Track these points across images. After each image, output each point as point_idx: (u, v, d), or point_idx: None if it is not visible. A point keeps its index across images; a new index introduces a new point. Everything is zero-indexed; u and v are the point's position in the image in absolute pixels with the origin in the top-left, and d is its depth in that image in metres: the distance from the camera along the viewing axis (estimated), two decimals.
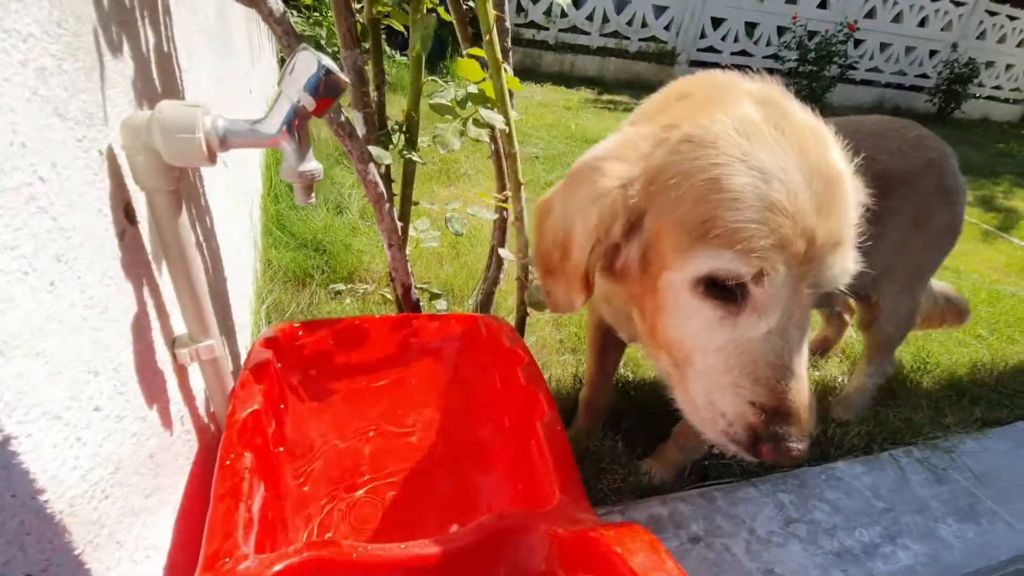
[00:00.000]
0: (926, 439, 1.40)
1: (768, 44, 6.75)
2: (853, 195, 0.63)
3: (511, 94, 1.16)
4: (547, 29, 6.02)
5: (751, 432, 0.58)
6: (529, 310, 1.25)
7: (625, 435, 1.31)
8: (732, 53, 6.73)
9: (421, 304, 1.23)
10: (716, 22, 6.51)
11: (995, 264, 2.80)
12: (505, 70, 0.94)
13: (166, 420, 0.67)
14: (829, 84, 6.33)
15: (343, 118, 0.93)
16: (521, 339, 0.98)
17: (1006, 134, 7.57)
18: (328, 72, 0.56)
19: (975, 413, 1.56)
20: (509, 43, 1.30)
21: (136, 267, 0.60)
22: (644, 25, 6.33)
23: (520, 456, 0.79)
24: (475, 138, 0.99)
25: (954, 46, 7.41)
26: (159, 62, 0.76)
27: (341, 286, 1.59)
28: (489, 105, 1.01)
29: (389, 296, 1.52)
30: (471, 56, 1.00)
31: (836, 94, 6.97)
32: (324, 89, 0.57)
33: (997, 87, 8.28)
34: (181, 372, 0.74)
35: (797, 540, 1.10)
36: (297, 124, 0.59)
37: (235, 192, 1.43)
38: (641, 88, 6.24)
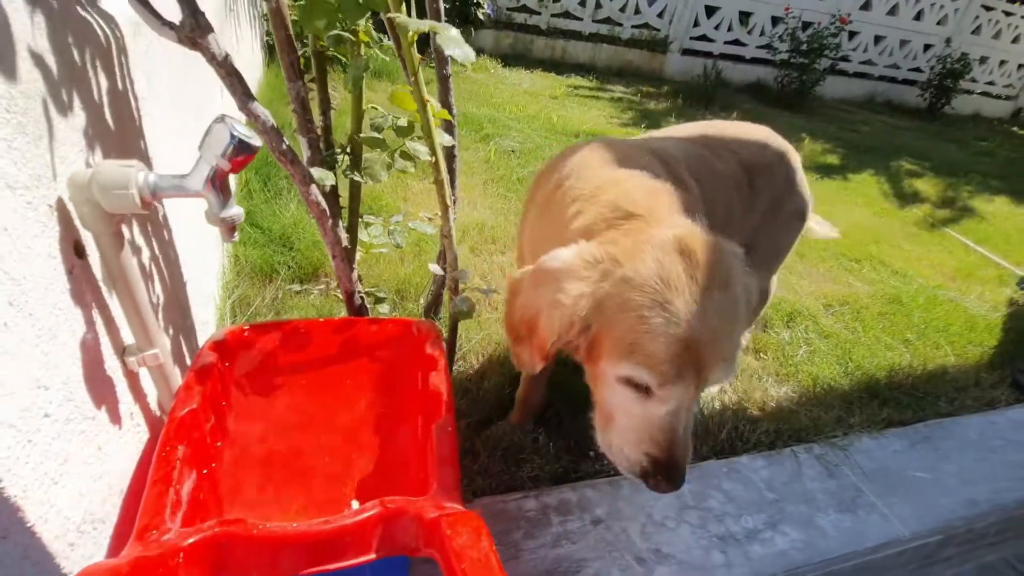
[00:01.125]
0: (827, 437, 1.55)
1: (762, 34, 6.76)
2: (743, 320, 0.85)
3: (453, 123, 1.26)
4: (539, 14, 6.03)
5: (643, 472, 0.85)
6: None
7: (551, 428, 1.46)
8: (725, 43, 6.74)
9: (368, 306, 1.36)
10: (710, 11, 6.51)
11: (944, 268, 2.92)
12: (431, 105, 1.04)
13: (115, 417, 0.81)
14: (819, 77, 6.35)
15: (284, 146, 1.04)
16: (442, 344, 1.11)
17: (994, 131, 7.63)
18: (240, 141, 0.68)
19: (882, 414, 1.71)
20: (449, 70, 1.40)
21: (85, 294, 0.73)
22: (637, 12, 6.33)
23: (422, 452, 0.93)
24: (401, 170, 1.10)
25: (948, 41, 7.41)
26: (112, 104, 0.87)
27: (297, 286, 1.71)
28: (418, 136, 1.11)
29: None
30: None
31: (828, 86, 7.01)
32: (237, 153, 0.69)
33: (990, 83, 8.31)
34: (132, 376, 0.87)
35: (688, 525, 1.25)
36: (217, 180, 0.71)
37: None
38: (632, 76, 6.29)
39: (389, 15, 0.93)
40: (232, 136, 0.67)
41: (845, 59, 7.26)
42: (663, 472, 0.83)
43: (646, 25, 6.40)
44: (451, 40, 0.91)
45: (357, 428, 1.09)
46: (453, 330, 1.33)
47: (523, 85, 5.00)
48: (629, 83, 5.95)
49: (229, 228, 0.75)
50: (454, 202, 1.39)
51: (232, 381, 1.07)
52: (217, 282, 1.63)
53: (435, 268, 1.26)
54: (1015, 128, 8.21)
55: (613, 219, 0.93)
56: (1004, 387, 1.99)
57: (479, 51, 5.66)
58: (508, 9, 5.92)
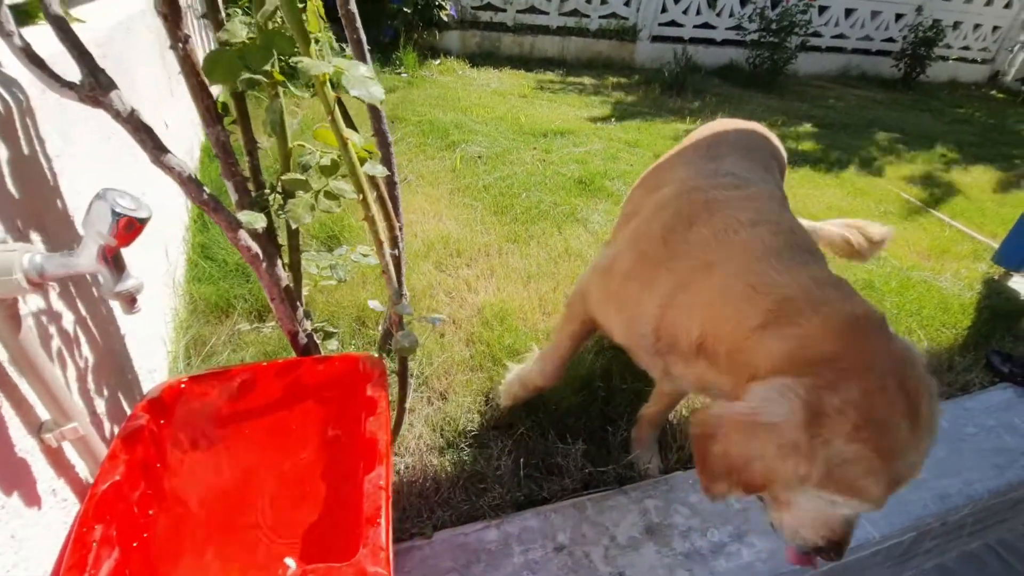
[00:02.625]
0: None
1: (731, 15, 6.72)
2: (937, 432, 0.81)
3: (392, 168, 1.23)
4: (504, 11, 5.96)
5: (815, 548, 0.87)
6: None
7: (519, 447, 1.44)
8: (694, 27, 6.69)
9: (317, 343, 1.33)
10: None
11: (919, 247, 2.91)
12: (352, 143, 1.01)
13: (32, 499, 0.78)
14: (791, 55, 6.33)
15: (205, 195, 1.01)
16: (384, 383, 1.09)
17: (971, 96, 7.63)
18: (122, 217, 0.65)
19: None
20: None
21: None
22: (604, 2, 6.27)
23: (360, 505, 0.91)
24: (326, 210, 1.07)
25: (919, 9, 7.39)
26: (15, 172, 0.84)
27: (250, 324, 1.68)
28: (342, 176, 1.09)
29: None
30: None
31: (801, 63, 6.98)
32: (121, 229, 0.66)
33: (966, 47, 8.28)
34: (53, 452, 0.85)
35: (653, 543, 1.24)
36: (109, 254, 0.69)
37: (145, 240, 1.51)
38: (603, 67, 6.24)
39: (292, 61, 0.90)
40: (114, 214, 0.64)
41: (816, 35, 7.23)
42: (835, 549, 0.86)
43: (614, 15, 6.34)
44: (356, 80, 0.88)
45: (303, 478, 1.07)
46: (403, 363, 1.31)
47: (492, 85, 4.95)
48: (600, 74, 5.91)
49: (128, 300, 0.72)
50: (400, 228, 1.37)
51: (169, 440, 1.04)
52: (169, 324, 1.60)
53: (375, 305, 1.24)
54: (993, 92, 8.21)
55: (821, 354, 0.80)
56: (978, 369, 1.98)
57: (446, 53, 5.60)
58: (473, 8, 5.85)
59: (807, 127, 4.93)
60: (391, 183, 1.43)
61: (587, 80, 5.61)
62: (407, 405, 1.38)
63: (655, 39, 6.59)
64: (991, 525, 1.64)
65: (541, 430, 1.50)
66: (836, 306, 0.85)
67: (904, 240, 2.96)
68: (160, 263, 1.63)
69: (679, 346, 0.99)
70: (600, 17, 6.34)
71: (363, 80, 0.89)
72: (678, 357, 1.01)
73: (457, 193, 2.82)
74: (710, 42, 6.86)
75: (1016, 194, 4.00)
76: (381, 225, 1.15)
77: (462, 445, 1.44)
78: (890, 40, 7.66)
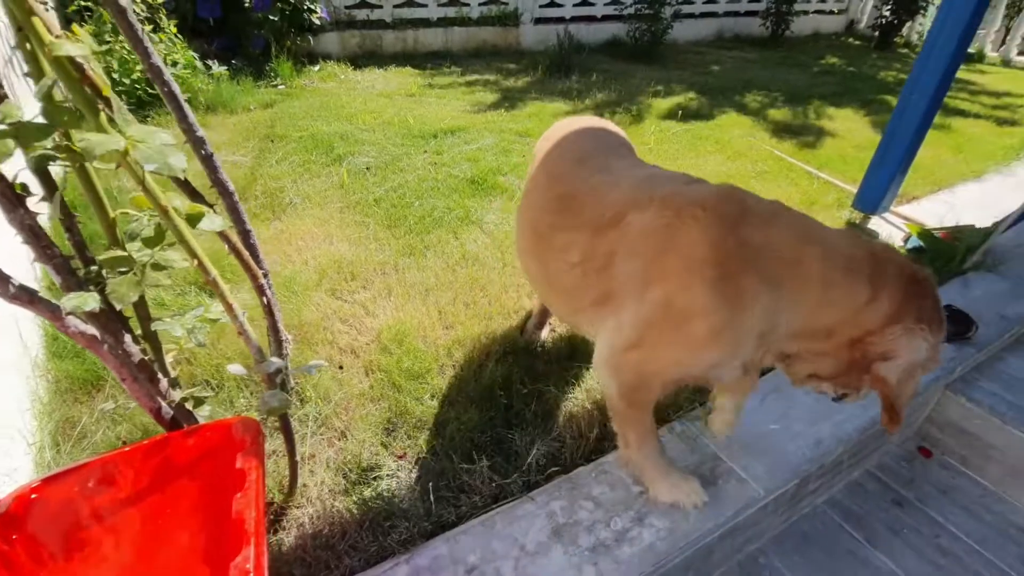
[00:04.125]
0: (687, 412, 1.63)
1: None
2: None
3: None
4: (381, 7, 5.79)
5: None
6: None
7: (423, 471, 1.44)
8: (574, 5, 6.79)
9: (189, 410, 1.26)
10: None
11: (791, 200, 3.13)
12: (173, 210, 0.95)
13: None
14: (667, 25, 6.57)
15: (13, 290, 0.92)
16: (257, 449, 1.05)
17: (832, 46, 8.25)
18: None
19: None
20: (209, 148, 1.29)
21: None
22: None
23: None
24: (155, 284, 1.00)
25: None
26: None
27: (110, 404, 1.56)
28: (170, 245, 1.02)
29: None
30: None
31: (679, 31, 7.28)
32: None
33: (823, 0, 8.92)
34: None
35: (560, 545, 1.28)
36: None
37: None
38: (490, 55, 6.22)
39: (78, 139, 0.82)
40: None
41: (689, 2, 7.55)
42: None
43: (494, 1, 6.31)
44: (152, 154, 0.83)
45: (178, 569, 1.02)
46: (284, 420, 1.26)
47: (377, 87, 4.81)
48: (488, 63, 5.88)
49: None
50: (266, 275, 1.31)
51: (24, 554, 0.96)
52: (27, 413, 1.46)
53: (236, 369, 1.18)
54: (850, 39, 8.92)
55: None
56: None
57: (325, 57, 5.37)
58: (347, 8, 5.64)
59: (690, 95, 5.16)
60: (244, 232, 1.36)
61: (475, 70, 5.57)
62: (299, 458, 1.34)
63: (538, 21, 6.63)
64: (866, 455, 1.83)
65: (447, 452, 1.50)
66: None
67: (778, 195, 3.14)
68: (6, 348, 1.48)
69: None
70: (480, 4, 6.30)
71: (160, 152, 0.83)
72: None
73: (347, 210, 2.74)
74: (591, 19, 7.00)
75: (874, 139, 4.38)
76: (224, 289, 1.10)
77: (367, 483, 1.42)
78: (756, 0, 8.14)
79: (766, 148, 3.93)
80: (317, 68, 5.11)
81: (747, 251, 0.99)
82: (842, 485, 1.83)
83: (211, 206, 1.11)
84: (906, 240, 2.60)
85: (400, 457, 1.49)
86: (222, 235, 1.27)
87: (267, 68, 4.72)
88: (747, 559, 1.60)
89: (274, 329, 1.29)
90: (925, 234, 2.50)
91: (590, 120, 1.62)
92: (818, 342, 1.04)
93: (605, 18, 7.02)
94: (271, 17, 4.75)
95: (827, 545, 1.63)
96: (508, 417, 1.62)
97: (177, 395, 1.24)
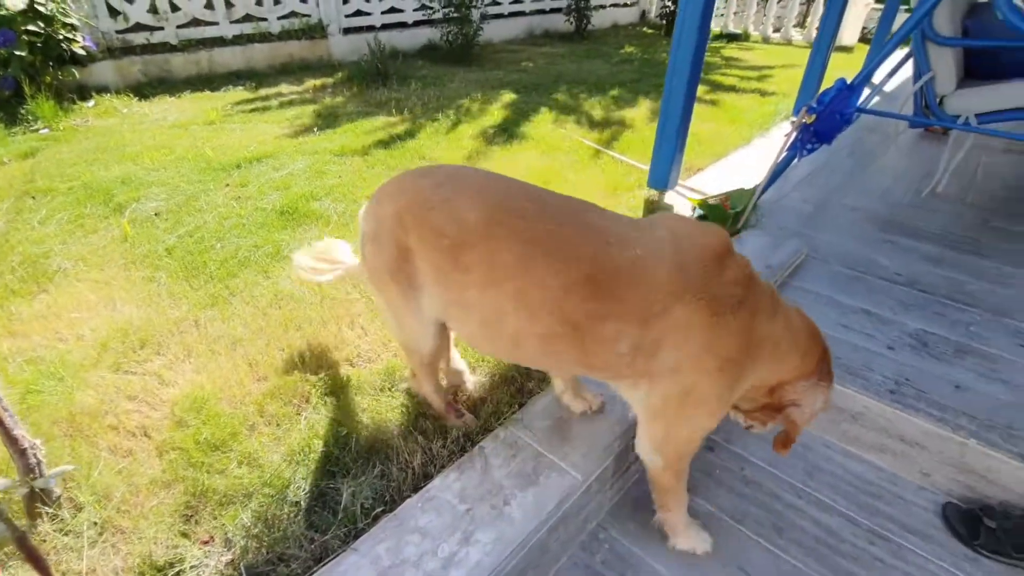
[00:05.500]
0: (509, 417, 1.67)
1: None
2: None
3: None
4: (162, 28, 5.20)
5: None
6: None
7: (235, 561, 1.31)
8: (383, 12, 6.68)
9: None
10: None
11: (601, 187, 3.38)
12: None
13: None
14: (477, 27, 6.73)
15: None
16: None
17: (630, 36, 9.05)
18: None
19: None
20: None
21: None
22: (278, 1, 5.86)
23: None
24: None
25: None
26: None
27: None
28: None
29: None
30: None
31: (493, 30, 7.51)
32: None
33: None
34: None
35: None
36: None
37: None
38: (300, 70, 5.90)
39: None
40: None
41: (496, 3, 7.82)
42: None
43: (294, 13, 5.99)
44: None
45: None
46: (23, 546, 1.06)
47: (169, 118, 4.32)
48: (298, 79, 5.58)
49: None
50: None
51: None
52: None
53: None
54: (644, 29, 9.87)
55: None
56: None
57: (101, 90, 4.71)
58: (119, 32, 4.98)
59: (507, 94, 5.33)
60: None
61: (285, 88, 5.25)
62: None
63: (348, 31, 6.43)
64: None
65: (259, 523, 1.38)
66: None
67: (590, 185, 3.41)
68: None
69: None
70: (280, 18, 5.94)
71: None
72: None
73: (133, 267, 2.42)
74: (404, 25, 6.94)
75: None
76: None
77: None
78: None
79: (576, 138, 4.20)
80: (91, 104, 4.46)
81: (757, 347, 1.21)
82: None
83: None
84: (693, 211, 2.92)
85: (205, 543, 1.34)
86: None
87: (22, 111, 4.01)
88: (589, 537, 1.68)
89: (9, 439, 1.08)
90: (704, 204, 2.83)
91: (453, 172, 1.34)
92: (754, 389, 1.31)
93: (417, 24, 7.01)
94: (17, 52, 4.03)
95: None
96: (329, 465, 1.53)
97: None
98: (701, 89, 5.71)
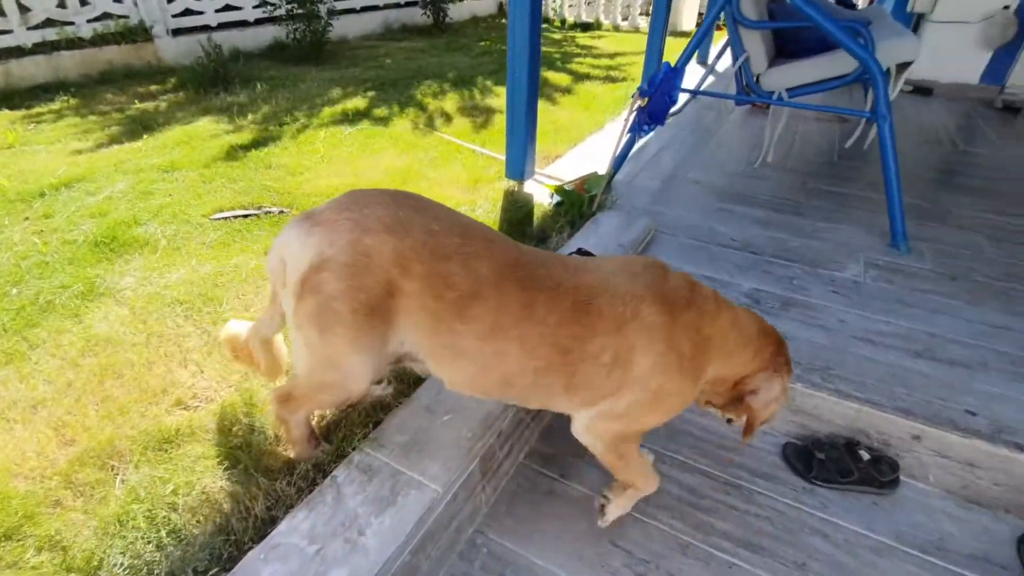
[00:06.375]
0: (362, 440, 1.57)
1: None
2: None
3: None
4: None
5: None
6: None
7: None
8: (217, 10, 6.12)
9: None
10: None
11: (461, 183, 3.33)
12: None
13: None
14: (326, 23, 6.39)
15: None
16: None
17: (489, 27, 9.10)
18: None
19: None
20: None
21: None
22: (85, 3, 5.15)
23: None
24: None
25: None
26: None
27: None
28: None
29: None
30: None
31: (347, 25, 7.18)
32: None
33: None
34: None
35: None
36: None
37: None
38: (124, 80, 5.24)
39: None
40: None
41: None
42: None
43: (107, 15, 5.30)
44: None
45: None
46: None
47: None
48: (122, 88, 4.95)
49: None
50: None
51: None
52: None
53: None
54: (502, 20, 9.97)
55: None
56: None
57: None
58: None
59: (363, 92, 5.11)
60: None
61: (103, 99, 4.62)
62: None
63: (179, 32, 5.82)
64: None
65: None
66: None
67: (450, 181, 3.35)
68: None
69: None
70: (91, 21, 5.22)
71: None
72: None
73: None
74: (244, 24, 6.42)
75: None
76: None
77: None
78: None
79: (437, 135, 4.12)
80: None
81: (707, 343, 1.30)
82: (537, 433, 2.01)
83: None
84: (552, 197, 2.97)
85: None
86: None
87: None
88: (467, 546, 1.63)
89: None
90: (560, 190, 2.89)
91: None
92: (717, 384, 1.41)
93: (259, 22, 6.51)
94: None
95: (530, 496, 1.77)
96: (152, 530, 1.34)
97: None
98: (558, 78, 5.88)
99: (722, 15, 3.05)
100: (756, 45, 3.08)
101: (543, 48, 7.34)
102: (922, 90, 5.51)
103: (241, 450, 1.56)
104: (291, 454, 1.55)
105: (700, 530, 1.59)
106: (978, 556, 1.53)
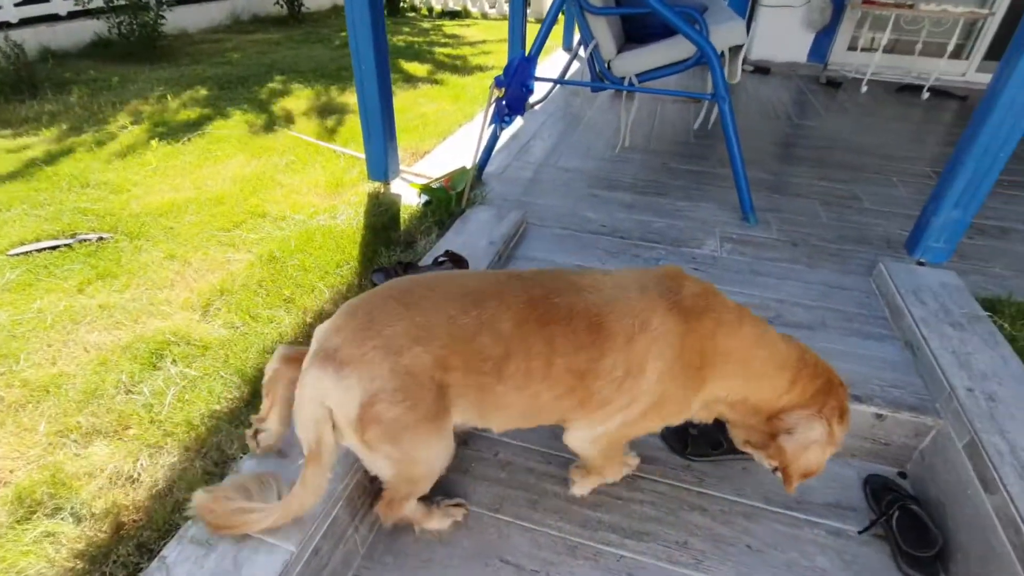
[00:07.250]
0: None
1: None
2: None
3: None
4: None
5: None
6: None
7: None
8: (16, 4, 5.20)
9: None
10: None
11: (320, 188, 3.06)
12: None
13: None
14: (158, 15, 5.67)
15: None
16: None
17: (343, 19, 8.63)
18: None
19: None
20: None
21: None
22: None
23: None
24: None
25: None
26: None
27: None
28: None
29: None
30: None
31: (187, 17, 6.45)
32: None
33: None
34: None
35: None
36: None
37: None
38: None
39: None
40: None
41: None
42: None
43: None
44: None
45: None
46: None
47: None
48: None
49: None
50: None
51: None
52: None
53: None
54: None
55: None
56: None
57: None
58: None
59: (206, 91, 4.59)
60: None
61: None
62: None
63: None
64: None
65: None
66: None
67: (308, 186, 3.07)
68: None
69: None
70: None
71: None
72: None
73: None
74: (55, 19, 5.52)
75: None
76: None
77: None
78: None
79: (292, 135, 3.79)
80: None
81: (723, 354, 1.26)
82: None
83: None
84: (419, 196, 2.83)
85: None
86: None
87: None
88: None
89: None
90: (426, 188, 2.76)
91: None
92: (749, 415, 1.34)
93: (73, 15, 5.63)
94: None
95: (411, 527, 1.65)
96: None
97: None
98: (425, 69, 5.69)
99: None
100: (603, 32, 3.12)
101: (409, 38, 7.09)
102: (761, 69, 6.03)
103: (45, 543, 1.28)
104: (428, 528, 1.55)
105: (587, 527, 1.57)
106: (831, 503, 1.65)
